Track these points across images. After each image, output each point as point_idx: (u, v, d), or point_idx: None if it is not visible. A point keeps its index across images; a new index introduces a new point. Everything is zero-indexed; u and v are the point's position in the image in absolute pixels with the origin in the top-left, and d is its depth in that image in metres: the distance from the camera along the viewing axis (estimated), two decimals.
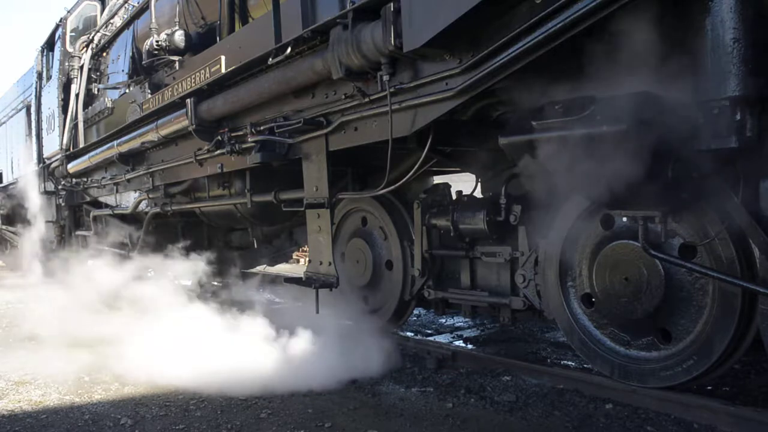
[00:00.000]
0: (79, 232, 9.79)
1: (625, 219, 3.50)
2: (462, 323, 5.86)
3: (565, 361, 4.50)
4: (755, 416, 3.02)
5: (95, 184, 8.72)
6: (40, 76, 11.04)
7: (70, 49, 9.82)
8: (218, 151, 5.53)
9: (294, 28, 4.40)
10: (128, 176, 7.53)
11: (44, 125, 10.62)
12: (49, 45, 10.49)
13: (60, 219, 10.37)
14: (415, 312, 6.08)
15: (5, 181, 13.72)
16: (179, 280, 6.85)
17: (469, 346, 5.06)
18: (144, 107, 6.68)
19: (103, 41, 9.37)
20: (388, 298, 5.18)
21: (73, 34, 10.06)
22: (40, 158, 10.88)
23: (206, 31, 6.63)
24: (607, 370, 3.67)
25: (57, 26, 10.25)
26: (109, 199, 8.69)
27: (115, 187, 8.28)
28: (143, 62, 7.12)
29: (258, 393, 3.80)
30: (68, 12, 10.28)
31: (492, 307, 4.55)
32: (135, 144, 6.95)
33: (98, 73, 9.53)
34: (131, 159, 7.44)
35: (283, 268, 9.69)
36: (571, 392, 3.69)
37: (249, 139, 4.94)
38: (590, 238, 3.78)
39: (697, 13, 2.68)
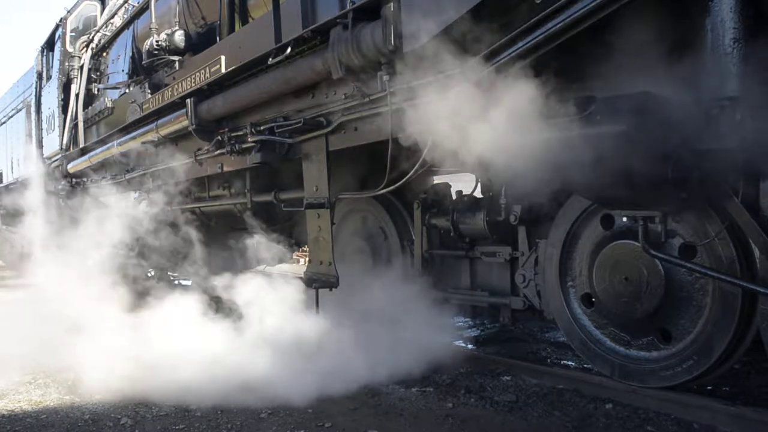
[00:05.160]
0: (78, 232, 9.78)
1: (625, 219, 3.50)
2: (462, 323, 5.86)
3: (565, 361, 4.49)
4: (755, 416, 3.02)
5: (95, 184, 8.71)
6: (40, 76, 11.03)
7: (70, 49, 9.81)
8: (218, 151, 5.53)
9: (294, 28, 4.40)
10: (128, 176, 7.53)
11: (44, 125, 10.61)
12: (49, 45, 10.48)
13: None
14: None
15: (5, 181, 13.71)
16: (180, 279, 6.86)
17: (469, 346, 5.06)
18: (144, 107, 6.68)
19: (103, 41, 9.36)
20: None
21: (73, 34, 10.04)
22: (40, 158, 10.87)
23: (206, 31, 6.63)
24: (607, 370, 3.68)
25: (57, 26, 10.24)
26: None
27: (115, 187, 8.27)
28: (143, 62, 7.11)
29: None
30: (68, 12, 10.27)
31: (492, 307, 4.55)
32: (135, 144, 6.94)
33: (98, 73, 9.53)
34: (131, 159, 7.43)
35: (283, 268, 9.68)
36: (571, 392, 3.69)
37: (249, 139, 4.94)
38: (590, 238, 3.78)
39: (697, 13, 2.68)
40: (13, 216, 13.21)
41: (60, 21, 10.21)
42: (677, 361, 3.36)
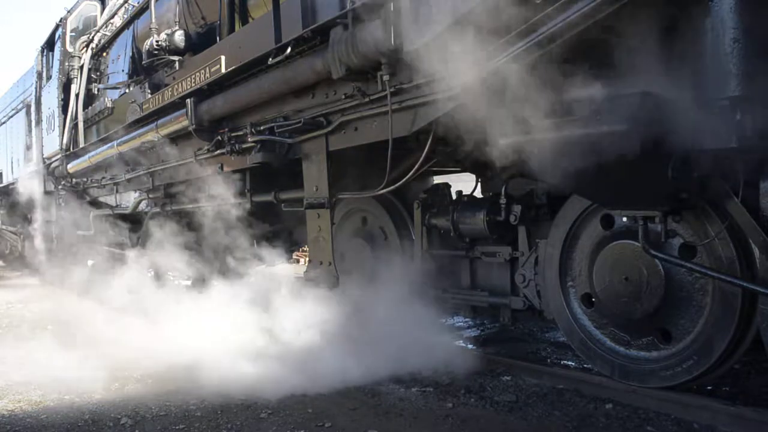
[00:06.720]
0: (79, 232, 9.79)
1: (625, 219, 3.50)
2: (462, 323, 5.86)
3: (565, 361, 4.49)
4: (755, 416, 3.02)
5: (95, 184, 8.72)
6: (40, 76, 11.03)
7: (70, 49, 9.82)
8: (218, 151, 5.54)
9: (294, 28, 4.40)
10: (128, 176, 7.53)
11: (44, 125, 10.62)
12: (49, 45, 10.48)
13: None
14: None
15: (5, 181, 13.71)
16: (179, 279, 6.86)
17: (469, 346, 5.06)
18: (144, 107, 6.68)
19: (103, 41, 9.37)
20: None
21: (73, 34, 10.05)
22: (40, 158, 10.87)
23: (206, 31, 6.63)
24: (607, 370, 3.67)
25: (57, 26, 10.25)
26: (109, 199, 8.69)
27: (115, 187, 8.28)
28: (143, 62, 7.11)
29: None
30: (68, 12, 10.28)
31: (492, 307, 4.55)
32: (135, 144, 6.94)
33: (98, 73, 9.54)
34: (131, 159, 7.43)
35: (283, 268, 9.68)
36: (571, 392, 3.69)
37: (249, 139, 4.94)
38: (590, 238, 3.78)
39: (697, 13, 2.68)
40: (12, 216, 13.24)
41: (60, 21, 10.22)
42: (677, 361, 3.35)
